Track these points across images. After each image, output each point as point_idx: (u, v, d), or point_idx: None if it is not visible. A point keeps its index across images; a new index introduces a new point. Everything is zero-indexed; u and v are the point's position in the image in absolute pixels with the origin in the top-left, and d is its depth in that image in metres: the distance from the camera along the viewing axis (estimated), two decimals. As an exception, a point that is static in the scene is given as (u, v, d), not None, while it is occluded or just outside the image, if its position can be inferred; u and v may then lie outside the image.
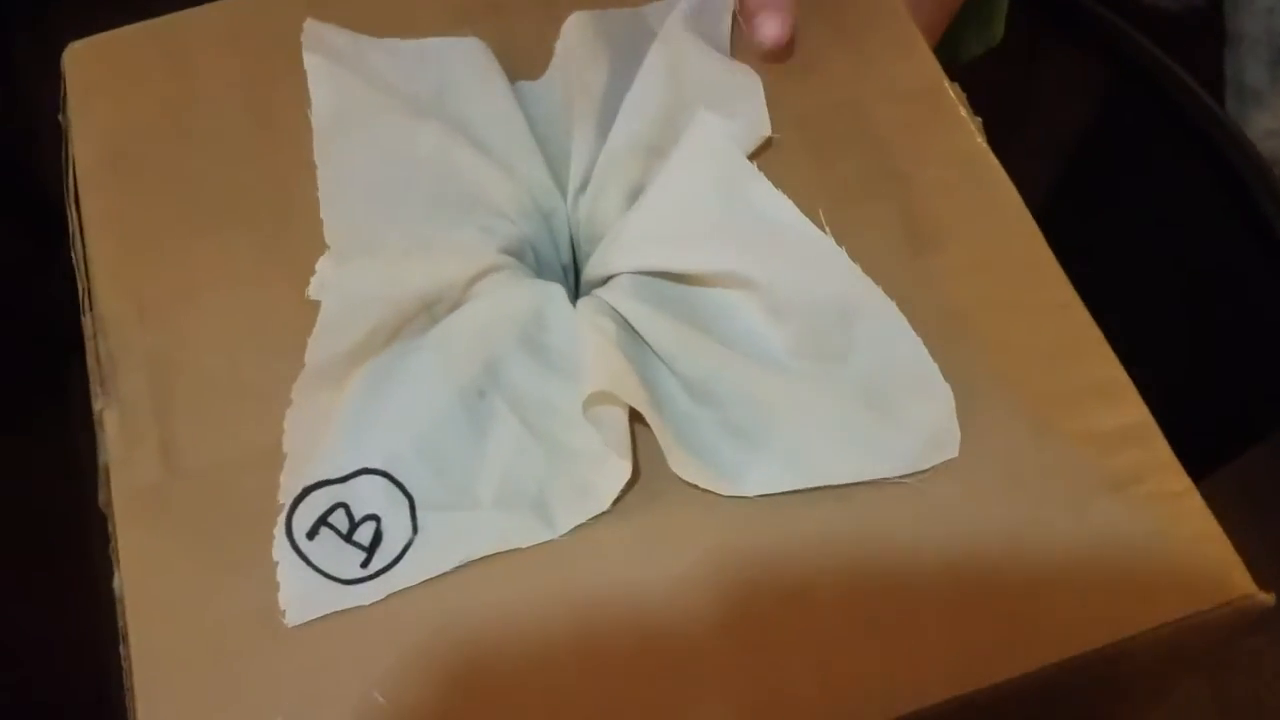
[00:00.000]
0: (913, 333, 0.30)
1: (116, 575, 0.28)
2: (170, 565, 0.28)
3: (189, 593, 0.28)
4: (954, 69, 0.36)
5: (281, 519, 0.28)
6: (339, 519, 0.28)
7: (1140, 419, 0.30)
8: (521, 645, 0.27)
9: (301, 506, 0.28)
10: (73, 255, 0.33)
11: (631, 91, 0.33)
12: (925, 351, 0.30)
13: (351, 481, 0.28)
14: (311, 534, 0.28)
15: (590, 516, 0.28)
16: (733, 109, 0.33)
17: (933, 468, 0.28)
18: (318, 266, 0.30)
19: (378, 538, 0.28)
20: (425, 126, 0.33)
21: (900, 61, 0.36)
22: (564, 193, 0.34)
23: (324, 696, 0.26)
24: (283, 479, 0.28)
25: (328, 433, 0.29)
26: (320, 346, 0.30)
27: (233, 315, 0.31)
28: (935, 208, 0.33)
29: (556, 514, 0.28)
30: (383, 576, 0.27)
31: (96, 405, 0.30)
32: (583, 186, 0.33)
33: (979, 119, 0.35)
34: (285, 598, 0.27)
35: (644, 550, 0.28)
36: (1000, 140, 0.35)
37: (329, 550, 0.28)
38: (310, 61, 0.34)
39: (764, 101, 0.34)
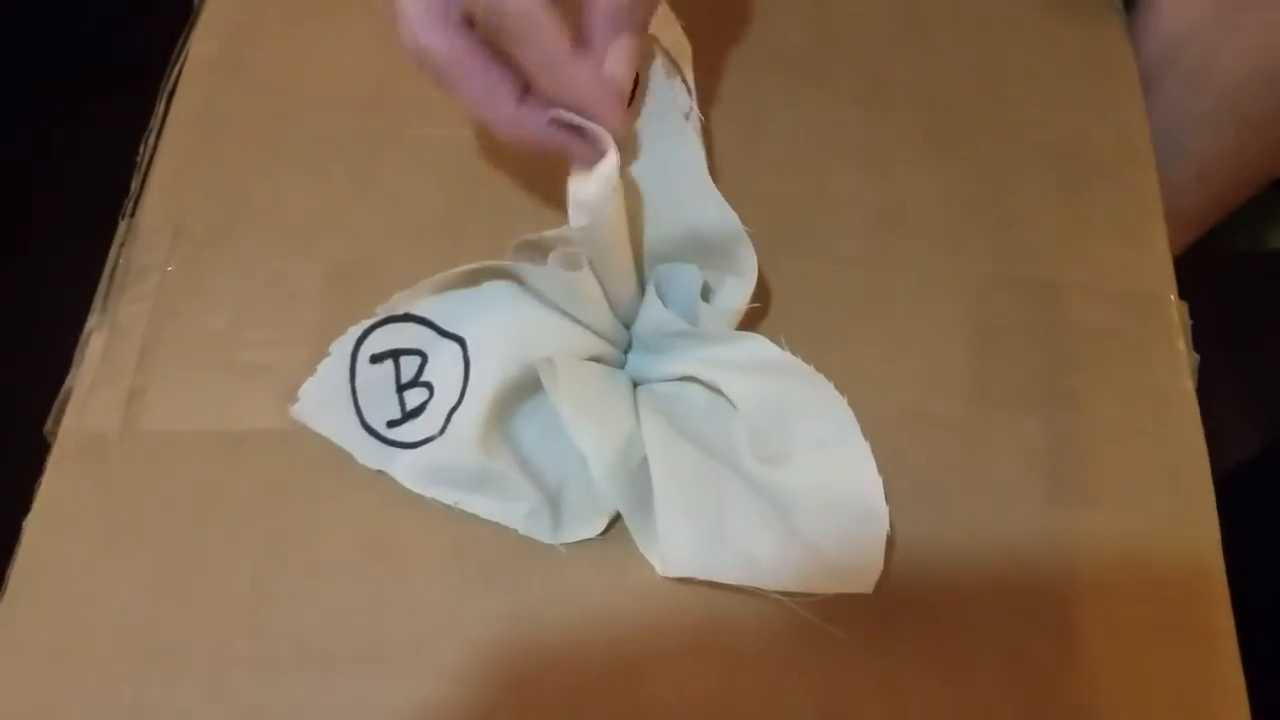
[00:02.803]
0: (862, 440, 0.25)
1: (29, 516, 0.25)
2: (75, 536, 0.25)
3: (81, 576, 0.24)
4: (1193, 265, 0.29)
5: (364, 324, 0.25)
6: (409, 364, 0.26)
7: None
8: None
9: (390, 327, 0.25)
10: (141, 149, 0.30)
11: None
12: (872, 465, 0.24)
13: (446, 341, 0.26)
14: (377, 359, 0.25)
15: (596, 533, 0.25)
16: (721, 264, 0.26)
17: None
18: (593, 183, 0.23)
19: (418, 410, 0.25)
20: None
21: (1126, 249, 0.29)
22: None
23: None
24: (396, 295, 0.25)
25: (466, 288, 0.26)
26: (561, 231, 0.24)
27: (258, 271, 0.28)
28: (1098, 450, 0.26)
29: (565, 522, 0.25)
30: (391, 450, 0.25)
31: (90, 322, 0.27)
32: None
33: (1196, 356, 0.28)
34: (307, 390, 0.25)
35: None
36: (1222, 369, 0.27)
37: (376, 386, 0.25)
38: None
39: (753, 257, 0.26)
